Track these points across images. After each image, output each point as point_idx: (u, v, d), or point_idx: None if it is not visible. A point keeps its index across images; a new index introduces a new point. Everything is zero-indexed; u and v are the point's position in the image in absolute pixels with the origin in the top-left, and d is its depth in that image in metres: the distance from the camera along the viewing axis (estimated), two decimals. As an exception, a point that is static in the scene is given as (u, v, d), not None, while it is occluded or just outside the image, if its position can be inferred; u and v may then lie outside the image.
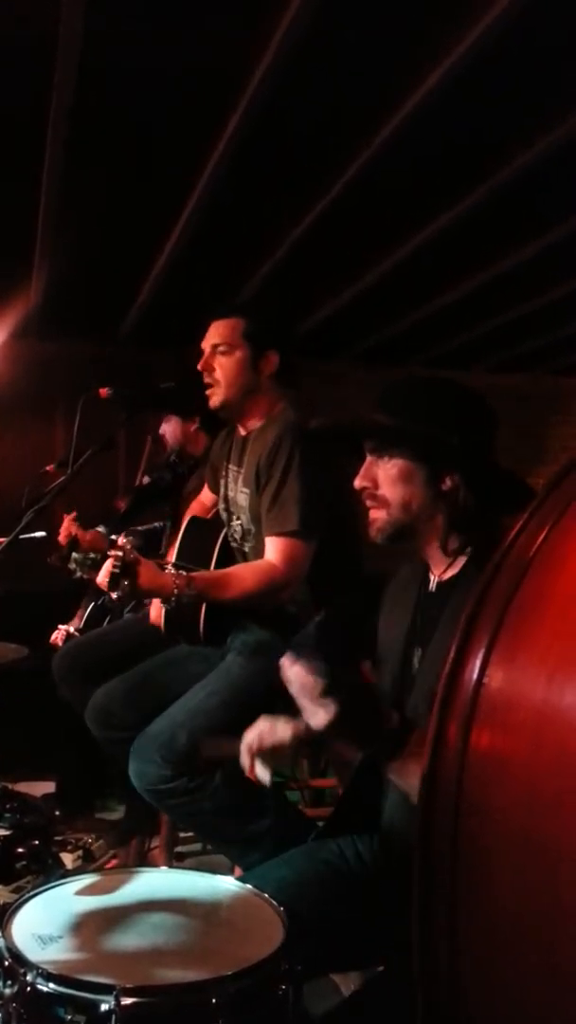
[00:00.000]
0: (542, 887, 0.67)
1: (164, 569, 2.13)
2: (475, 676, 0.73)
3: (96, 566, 2.58)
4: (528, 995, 0.69)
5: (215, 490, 2.55)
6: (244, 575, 2.22)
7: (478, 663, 0.73)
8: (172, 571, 2.12)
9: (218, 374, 2.31)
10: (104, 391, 2.48)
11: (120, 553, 2.01)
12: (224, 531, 2.48)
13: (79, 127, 2.38)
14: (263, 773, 1.46)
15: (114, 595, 2.04)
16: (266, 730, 1.44)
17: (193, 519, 2.61)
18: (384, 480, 1.41)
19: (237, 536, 2.40)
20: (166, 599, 2.10)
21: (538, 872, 0.68)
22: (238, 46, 2.05)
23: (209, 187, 2.74)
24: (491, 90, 2.25)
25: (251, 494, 2.28)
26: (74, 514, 2.81)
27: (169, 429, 3.27)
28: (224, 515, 2.47)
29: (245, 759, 1.43)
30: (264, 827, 2.13)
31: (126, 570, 2.00)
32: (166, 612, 2.40)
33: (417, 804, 0.77)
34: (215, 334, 2.33)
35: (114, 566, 2.01)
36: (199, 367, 2.33)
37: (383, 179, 2.70)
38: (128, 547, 2.02)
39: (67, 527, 2.78)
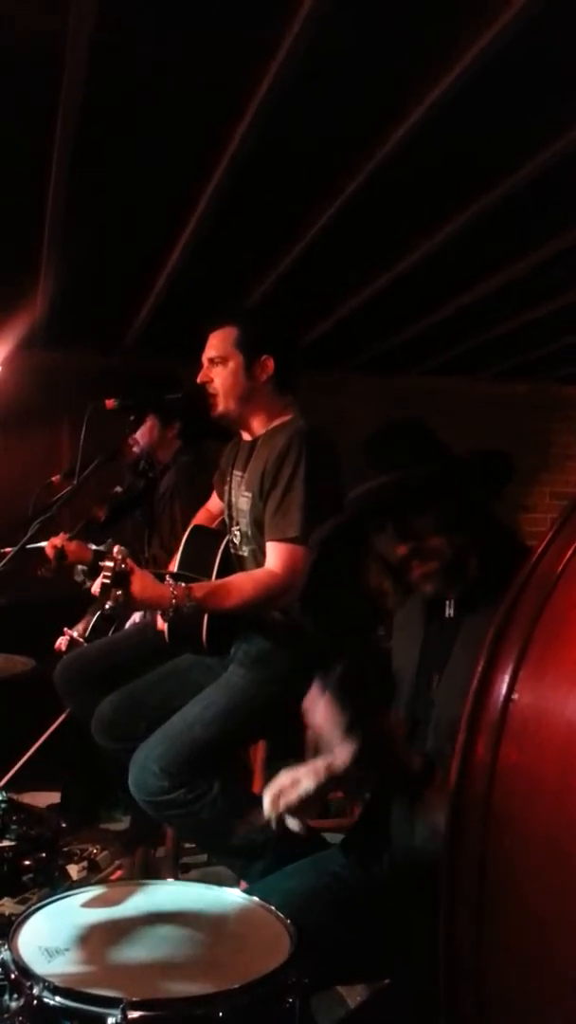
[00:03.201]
0: (570, 899, 0.67)
1: (163, 580, 2.12)
2: (504, 692, 0.74)
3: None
4: (555, 1008, 0.68)
5: (221, 496, 2.56)
6: (244, 584, 2.22)
7: (507, 679, 0.74)
8: (171, 582, 2.11)
9: (216, 384, 2.35)
10: (110, 402, 2.50)
11: (111, 564, 1.99)
12: (225, 539, 2.49)
13: (84, 140, 2.40)
14: (293, 824, 1.45)
15: (106, 606, 2.01)
16: (288, 785, 1.45)
17: (196, 528, 2.61)
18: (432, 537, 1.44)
19: (237, 541, 2.40)
20: (164, 611, 2.09)
21: (566, 885, 0.67)
22: (243, 61, 2.07)
23: (213, 199, 2.75)
24: (494, 102, 2.26)
25: (252, 497, 2.28)
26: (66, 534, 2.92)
27: (144, 430, 3.17)
28: (227, 520, 2.48)
29: (272, 815, 1.43)
30: (265, 838, 2.10)
31: (118, 580, 1.99)
32: (168, 622, 2.40)
33: (446, 817, 0.76)
34: (210, 346, 2.38)
35: (105, 576, 1.99)
36: (198, 380, 2.37)
37: (386, 191, 2.71)
38: (121, 557, 2.00)
39: (55, 539, 2.87)
